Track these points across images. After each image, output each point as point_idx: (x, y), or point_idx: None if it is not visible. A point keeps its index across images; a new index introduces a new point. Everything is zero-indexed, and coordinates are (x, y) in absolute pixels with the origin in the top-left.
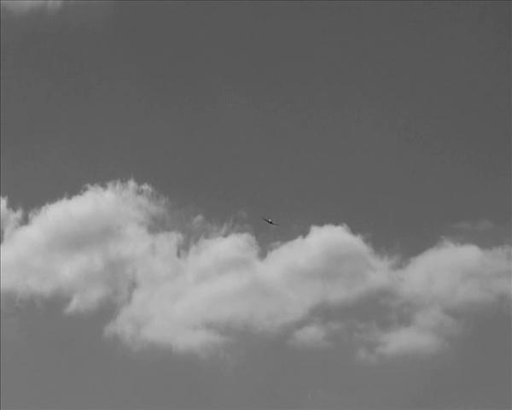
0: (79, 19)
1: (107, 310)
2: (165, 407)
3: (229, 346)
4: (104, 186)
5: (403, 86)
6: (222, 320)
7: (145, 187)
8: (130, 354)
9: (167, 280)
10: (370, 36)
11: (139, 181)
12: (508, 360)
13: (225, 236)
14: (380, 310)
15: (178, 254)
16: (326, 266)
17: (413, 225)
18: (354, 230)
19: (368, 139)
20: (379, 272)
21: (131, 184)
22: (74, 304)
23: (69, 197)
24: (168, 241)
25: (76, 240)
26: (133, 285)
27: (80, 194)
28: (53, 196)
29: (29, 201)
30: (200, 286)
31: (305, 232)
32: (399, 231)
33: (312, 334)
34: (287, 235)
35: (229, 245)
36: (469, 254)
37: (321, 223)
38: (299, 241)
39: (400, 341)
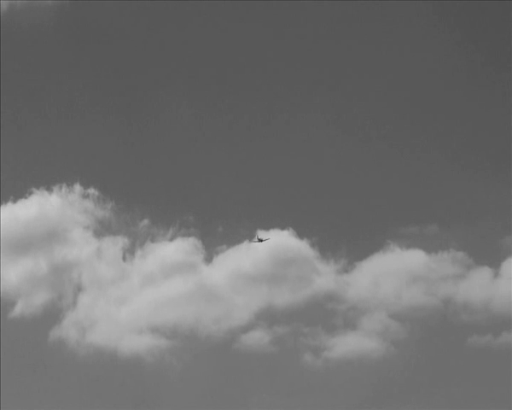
0: (25, 20)
1: (52, 314)
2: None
3: (175, 350)
4: (50, 190)
5: (348, 91)
6: (167, 324)
7: (91, 191)
8: (75, 359)
9: (113, 284)
10: (314, 36)
11: (85, 185)
12: (453, 364)
13: (171, 240)
14: (326, 314)
15: (124, 258)
16: (272, 270)
17: (359, 230)
18: (300, 234)
19: (314, 144)
20: (325, 277)
21: (77, 187)
22: (19, 308)
23: (14, 201)
24: (114, 245)
25: (21, 244)
26: (78, 289)
27: (25, 198)
28: None
29: None
30: (145, 290)
31: (251, 237)
32: (346, 236)
33: (258, 338)
34: (233, 239)
35: (175, 249)
36: (415, 258)
37: (267, 227)
38: (244, 245)
39: (346, 345)
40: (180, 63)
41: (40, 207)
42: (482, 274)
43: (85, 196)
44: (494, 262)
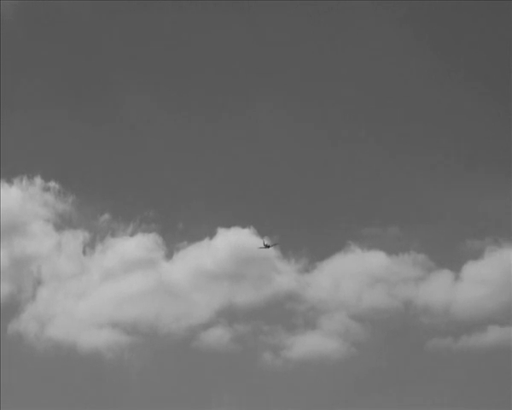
0: None
1: (11, 307)
2: (69, 406)
3: (135, 346)
4: (10, 182)
5: (311, 91)
6: (127, 320)
7: (52, 184)
8: (33, 353)
9: (72, 278)
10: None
11: (46, 178)
12: (412, 366)
13: (132, 235)
14: (286, 314)
15: (84, 253)
16: (233, 268)
17: (321, 230)
18: (261, 233)
19: (276, 143)
20: (286, 276)
21: (38, 180)
22: None
23: None
24: (74, 239)
25: None
26: (38, 283)
27: None
28: None
29: None
30: (105, 285)
31: (211, 234)
32: (307, 235)
33: (218, 336)
34: (193, 236)
35: (135, 245)
36: (376, 259)
37: (228, 225)
38: (205, 242)
39: (306, 345)
40: (140, 56)
41: (0, 199)
42: (443, 277)
43: (46, 189)
44: (455, 265)
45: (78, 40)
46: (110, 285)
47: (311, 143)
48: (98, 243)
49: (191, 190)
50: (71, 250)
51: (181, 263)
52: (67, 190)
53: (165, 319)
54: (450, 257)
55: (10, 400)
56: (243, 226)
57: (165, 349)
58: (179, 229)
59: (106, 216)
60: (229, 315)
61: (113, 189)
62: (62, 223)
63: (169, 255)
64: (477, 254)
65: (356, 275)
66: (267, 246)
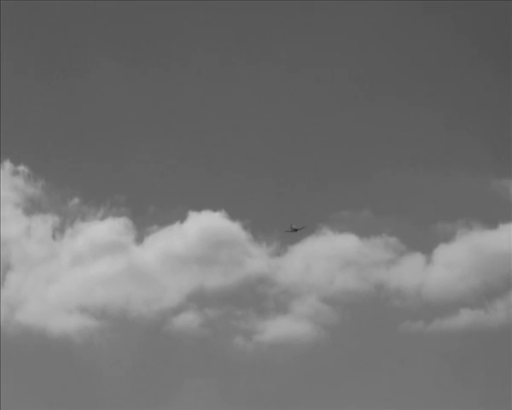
0: None
1: None
2: (39, 390)
3: (105, 331)
4: None
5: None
6: (97, 305)
7: (21, 168)
8: (3, 337)
9: (42, 263)
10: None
11: (15, 162)
12: (384, 349)
13: (102, 219)
14: (257, 297)
15: (54, 237)
16: (204, 252)
17: (292, 213)
18: (233, 216)
19: (247, 125)
20: (257, 259)
21: (7, 164)
22: None
23: None
24: (44, 223)
25: None
26: (7, 267)
27: None
28: None
29: None
30: (75, 269)
31: (182, 218)
32: (278, 219)
33: (189, 320)
34: (164, 220)
35: (105, 229)
36: (348, 242)
37: (199, 208)
38: (176, 226)
39: (277, 328)
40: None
41: None
42: (414, 260)
43: (15, 174)
44: (426, 248)
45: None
46: (80, 269)
47: (281, 125)
48: (68, 228)
49: (162, 173)
50: (40, 235)
51: (151, 247)
52: (37, 174)
53: (136, 304)
54: (422, 240)
55: None
56: (214, 210)
57: (135, 334)
58: (150, 213)
59: (76, 200)
60: (199, 299)
61: (83, 173)
62: (32, 207)
63: (139, 239)
64: (448, 237)
65: (327, 258)
66: (295, 230)
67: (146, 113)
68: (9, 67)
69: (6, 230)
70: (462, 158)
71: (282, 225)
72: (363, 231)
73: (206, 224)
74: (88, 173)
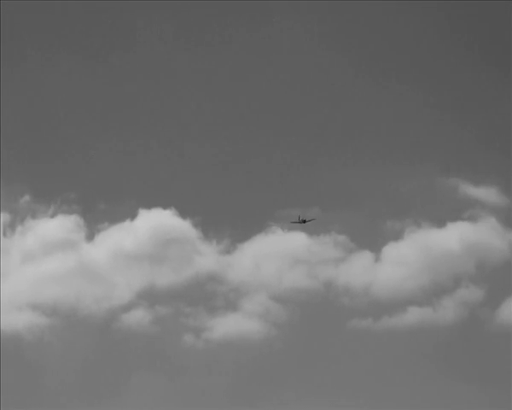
0: None
1: None
2: None
3: (55, 328)
4: None
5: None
6: (47, 302)
7: None
8: None
9: None
10: None
11: None
12: (333, 346)
13: (52, 216)
14: (207, 295)
15: (4, 234)
16: (154, 249)
17: (242, 211)
18: (183, 214)
19: (193, 120)
20: (207, 257)
21: None
22: None
23: None
24: None
25: None
26: None
27: None
28: None
29: None
30: (25, 267)
31: (133, 215)
32: (228, 216)
33: (139, 318)
34: (115, 217)
35: (56, 226)
36: (297, 240)
37: (149, 206)
38: (127, 224)
39: (227, 326)
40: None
41: None
42: (363, 258)
43: None
44: (375, 247)
45: None
46: (30, 267)
47: (229, 121)
48: (18, 225)
49: (112, 170)
50: None
51: (102, 244)
52: None
53: (86, 301)
54: (371, 238)
55: None
56: (164, 207)
57: (86, 331)
58: (100, 210)
59: (26, 197)
60: (150, 297)
61: (34, 170)
62: None
63: (90, 237)
64: (397, 236)
65: (277, 256)
66: (303, 221)
67: (95, 109)
68: None
69: None
70: (411, 156)
71: (232, 223)
72: (313, 229)
73: (156, 221)
74: (38, 171)
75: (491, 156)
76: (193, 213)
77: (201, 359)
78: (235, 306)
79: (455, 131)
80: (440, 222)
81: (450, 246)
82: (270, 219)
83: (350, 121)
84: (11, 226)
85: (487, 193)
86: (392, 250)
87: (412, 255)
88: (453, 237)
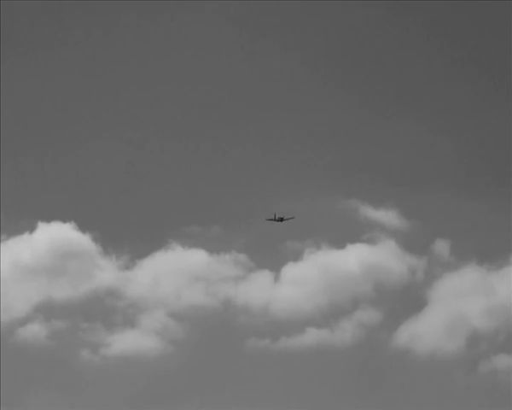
0: None
1: None
2: None
3: None
4: None
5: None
6: None
7: None
8: None
9: None
10: None
11: None
12: (230, 365)
13: None
14: (105, 311)
15: None
16: (52, 262)
17: (142, 227)
18: (83, 228)
19: (98, 134)
20: (106, 272)
21: None
22: None
23: None
24: None
25: None
26: None
27: None
28: None
29: None
30: None
31: (32, 228)
32: (129, 232)
33: (35, 332)
34: (13, 230)
35: None
36: (197, 258)
37: (48, 219)
38: (26, 236)
39: (124, 342)
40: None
41: None
42: (262, 277)
43: None
44: (274, 266)
45: None
46: None
47: (135, 136)
48: None
49: (11, 183)
50: None
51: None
52: None
53: None
54: (271, 258)
55: None
56: (64, 221)
57: None
58: None
59: None
60: (47, 310)
61: None
62: None
63: None
64: (297, 256)
65: (176, 273)
66: (280, 219)
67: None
68: None
69: None
70: (312, 178)
71: (132, 238)
72: (213, 247)
73: (55, 235)
74: None
75: (391, 179)
76: (93, 227)
77: (98, 375)
78: (133, 322)
79: (355, 154)
80: (340, 244)
81: (349, 268)
82: (171, 236)
83: (251, 139)
84: None
85: (387, 216)
86: (291, 270)
87: (311, 276)
88: (352, 259)
